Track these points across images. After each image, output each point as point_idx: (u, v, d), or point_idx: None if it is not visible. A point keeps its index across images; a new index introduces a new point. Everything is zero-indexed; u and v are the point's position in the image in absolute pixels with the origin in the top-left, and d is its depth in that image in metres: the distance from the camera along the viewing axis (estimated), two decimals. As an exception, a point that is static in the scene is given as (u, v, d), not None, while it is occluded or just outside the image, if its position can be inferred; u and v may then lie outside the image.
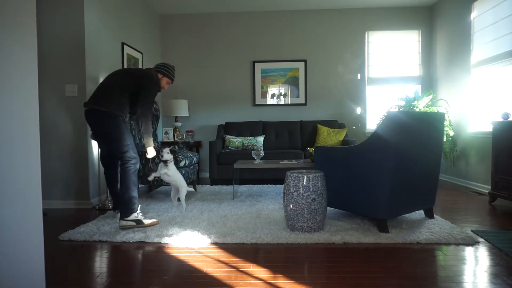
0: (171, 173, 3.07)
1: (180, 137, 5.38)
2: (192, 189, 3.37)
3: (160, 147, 2.94)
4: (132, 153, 2.73)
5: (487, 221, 2.89)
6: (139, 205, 2.78)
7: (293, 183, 2.50)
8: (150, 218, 2.80)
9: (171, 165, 3.08)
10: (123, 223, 2.64)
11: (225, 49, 5.69)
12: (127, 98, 2.79)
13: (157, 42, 5.60)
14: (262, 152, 3.89)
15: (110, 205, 3.42)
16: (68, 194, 3.56)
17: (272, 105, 5.67)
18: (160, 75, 3.04)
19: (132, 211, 2.67)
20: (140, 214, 2.72)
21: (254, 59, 5.66)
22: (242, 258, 2.10)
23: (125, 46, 4.40)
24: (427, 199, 2.84)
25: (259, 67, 5.64)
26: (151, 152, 2.87)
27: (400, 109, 4.83)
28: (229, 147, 5.04)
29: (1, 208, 1.26)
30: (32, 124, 1.41)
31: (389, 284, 1.74)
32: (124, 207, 2.67)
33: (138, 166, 2.78)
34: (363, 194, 2.61)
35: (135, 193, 2.71)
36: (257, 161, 3.86)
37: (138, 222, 2.67)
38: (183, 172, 3.80)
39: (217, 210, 3.22)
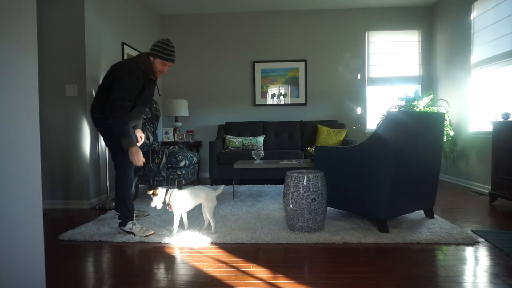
0: (178, 204, 2.50)
1: (180, 137, 5.38)
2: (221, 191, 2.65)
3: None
4: (120, 157, 2.52)
5: (487, 221, 2.89)
6: (135, 215, 2.71)
7: (293, 183, 2.50)
8: (147, 228, 2.63)
9: (173, 197, 2.50)
10: (120, 231, 2.59)
11: (225, 49, 5.69)
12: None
13: (157, 42, 5.59)
14: (262, 152, 3.89)
15: (110, 205, 3.42)
16: (68, 194, 3.56)
17: (272, 105, 5.67)
18: (151, 58, 2.54)
19: (127, 219, 2.55)
20: (136, 224, 2.55)
21: (254, 59, 5.65)
22: (242, 258, 2.10)
23: (125, 46, 4.40)
24: (427, 199, 2.84)
25: (259, 67, 5.64)
26: (132, 153, 2.41)
27: (400, 109, 4.83)
28: (229, 147, 5.04)
29: (1, 208, 1.26)
30: (32, 124, 1.41)
31: (389, 284, 1.74)
32: (119, 214, 2.56)
33: (128, 174, 2.55)
34: (363, 194, 2.61)
35: (126, 202, 2.54)
36: (257, 161, 3.86)
37: (132, 234, 2.54)
38: (183, 172, 3.81)
39: (217, 210, 3.21)
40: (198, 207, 2.72)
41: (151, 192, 2.49)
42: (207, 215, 2.54)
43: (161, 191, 2.49)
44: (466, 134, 4.55)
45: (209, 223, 2.66)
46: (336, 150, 2.85)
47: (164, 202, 2.50)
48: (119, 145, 2.46)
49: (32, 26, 1.40)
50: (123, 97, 2.38)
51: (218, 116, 5.72)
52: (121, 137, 2.39)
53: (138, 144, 2.82)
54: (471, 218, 2.98)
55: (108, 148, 2.66)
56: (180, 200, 2.51)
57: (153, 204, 2.47)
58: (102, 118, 2.54)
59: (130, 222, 2.56)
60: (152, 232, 2.55)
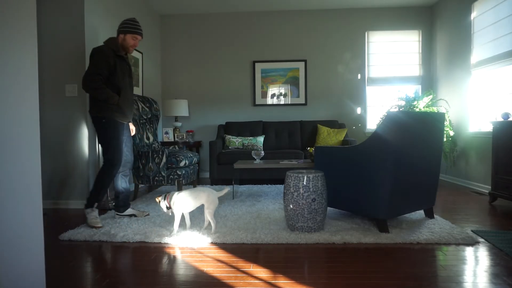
0: (177, 206, 2.51)
1: (180, 137, 5.38)
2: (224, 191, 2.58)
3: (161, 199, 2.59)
4: (111, 154, 2.74)
5: (487, 221, 2.89)
6: (135, 215, 3.02)
7: (293, 183, 2.50)
8: (109, 222, 2.81)
9: (174, 199, 2.52)
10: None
11: (225, 49, 5.69)
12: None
13: (157, 42, 5.60)
14: (262, 152, 3.89)
15: (110, 205, 3.43)
16: (68, 194, 3.56)
17: (272, 105, 5.67)
18: (121, 36, 2.81)
19: (90, 204, 2.75)
20: (94, 212, 2.74)
21: (254, 59, 5.65)
22: (242, 258, 2.10)
23: (125, 46, 4.39)
24: (427, 199, 2.84)
25: (259, 67, 5.64)
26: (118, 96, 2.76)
27: (400, 109, 4.83)
28: (229, 147, 5.04)
29: (1, 208, 1.26)
30: (32, 124, 1.41)
31: (389, 284, 1.74)
32: (89, 199, 2.78)
33: (112, 170, 2.75)
34: (363, 194, 2.61)
35: (100, 189, 2.74)
36: (257, 161, 3.86)
37: (86, 218, 2.76)
38: (183, 172, 3.81)
39: (217, 210, 3.21)
40: (199, 208, 2.73)
41: (157, 200, 2.60)
42: (208, 216, 2.54)
43: (161, 197, 2.57)
44: (466, 134, 4.55)
45: (209, 223, 2.67)
46: (336, 150, 2.85)
47: (167, 207, 2.54)
48: (111, 143, 2.74)
49: (32, 25, 1.40)
50: (93, 72, 2.64)
51: (218, 116, 5.72)
52: (110, 99, 2.68)
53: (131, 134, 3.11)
54: (471, 218, 2.98)
55: (101, 145, 2.82)
56: (180, 201, 2.52)
57: (163, 211, 2.61)
58: (98, 117, 2.73)
59: (90, 208, 2.72)
60: (100, 226, 2.67)
